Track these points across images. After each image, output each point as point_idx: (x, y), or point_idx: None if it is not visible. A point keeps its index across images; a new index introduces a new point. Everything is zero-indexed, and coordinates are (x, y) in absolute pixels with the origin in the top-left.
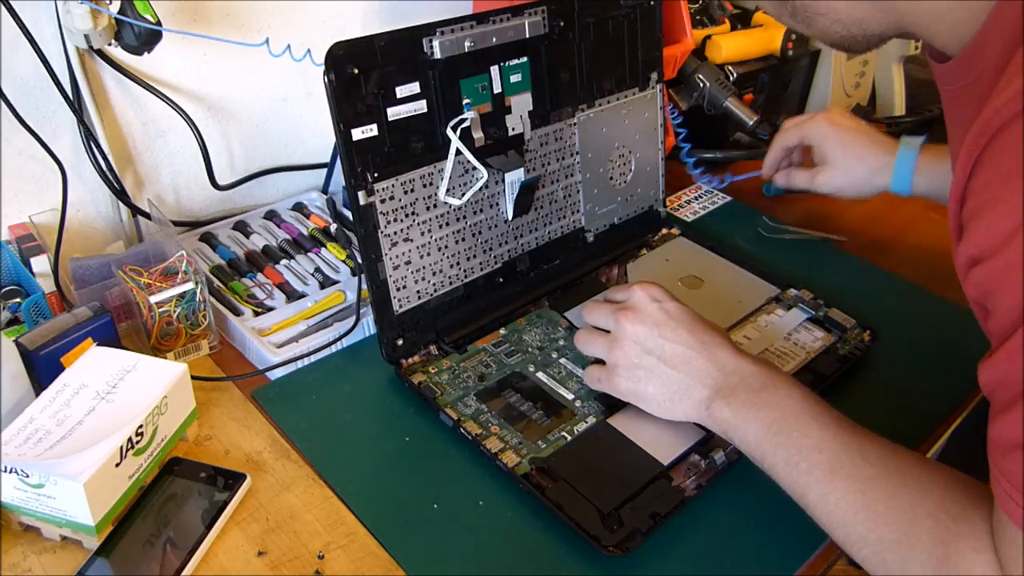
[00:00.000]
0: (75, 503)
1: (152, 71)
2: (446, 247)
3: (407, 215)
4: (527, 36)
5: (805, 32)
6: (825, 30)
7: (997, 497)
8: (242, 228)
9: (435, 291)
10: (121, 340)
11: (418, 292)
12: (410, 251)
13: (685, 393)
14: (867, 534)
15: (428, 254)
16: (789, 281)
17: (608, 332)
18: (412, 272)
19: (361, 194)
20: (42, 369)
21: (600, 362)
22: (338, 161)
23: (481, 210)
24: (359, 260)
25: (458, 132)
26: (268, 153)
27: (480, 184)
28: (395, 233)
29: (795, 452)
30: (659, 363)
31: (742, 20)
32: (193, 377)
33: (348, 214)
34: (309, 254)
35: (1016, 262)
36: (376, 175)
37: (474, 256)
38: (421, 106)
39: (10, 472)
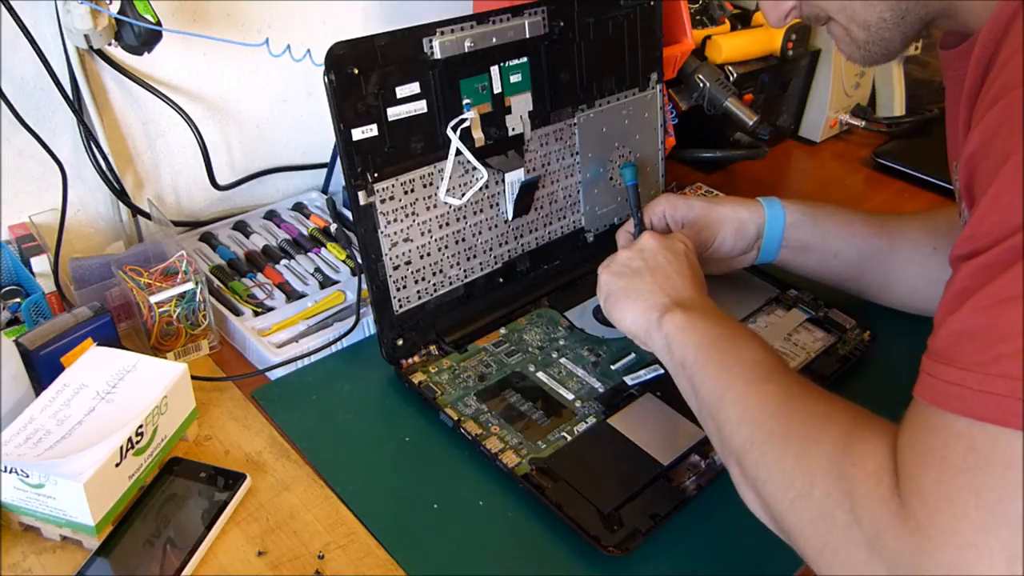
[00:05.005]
0: (75, 503)
1: (152, 71)
2: (446, 247)
3: (407, 215)
4: (527, 36)
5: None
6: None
7: (938, 394)
8: (242, 228)
9: (435, 291)
10: (121, 340)
11: (418, 292)
12: (410, 251)
13: (644, 296)
14: (775, 428)
15: (428, 254)
16: (789, 281)
17: None
18: (412, 272)
19: (361, 194)
20: (42, 369)
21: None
22: (338, 161)
23: (481, 210)
24: (359, 260)
25: (458, 132)
26: (268, 153)
27: (480, 184)
28: (395, 233)
29: (734, 359)
30: (644, 267)
31: (742, 20)
32: (193, 377)
33: (348, 214)
34: (309, 254)
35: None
36: (376, 175)
37: (474, 256)
38: (421, 106)
39: (10, 472)
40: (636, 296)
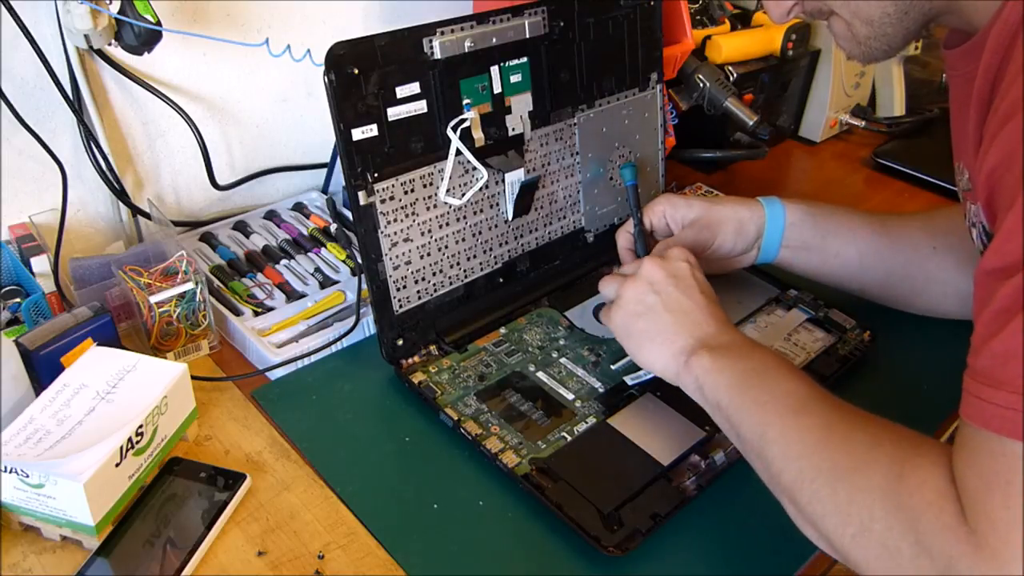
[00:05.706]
0: (75, 503)
1: (152, 71)
2: (446, 247)
3: (407, 215)
4: (527, 36)
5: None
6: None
7: (990, 418)
8: (242, 228)
9: (435, 291)
10: (121, 340)
11: (418, 292)
12: (410, 251)
13: (669, 338)
14: (822, 463)
15: (428, 254)
16: (789, 281)
17: None
18: (412, 272)
19: (361, 194)
20: (42, 369)
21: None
22: (338, 161)
23: (481, 210)
24: (359, 260)
25: (458, 132)
26: (268, 153)
27: (480, 184)
28: (395, 233)
29: (767, 394)
30: (659, 303)
31: (742, 20)
32: (193, 377)
33: (348, 214)
34: (309, 254)
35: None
36: (376, 175)
37: (474, 256)
38: (421, 106)
39: (10, 472)
40: (660, 339)
